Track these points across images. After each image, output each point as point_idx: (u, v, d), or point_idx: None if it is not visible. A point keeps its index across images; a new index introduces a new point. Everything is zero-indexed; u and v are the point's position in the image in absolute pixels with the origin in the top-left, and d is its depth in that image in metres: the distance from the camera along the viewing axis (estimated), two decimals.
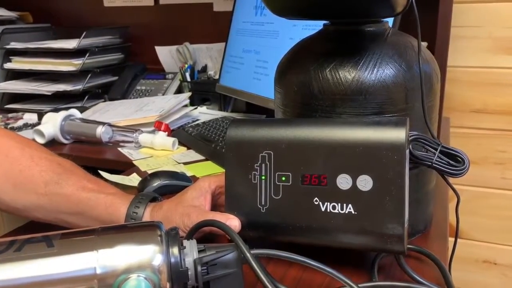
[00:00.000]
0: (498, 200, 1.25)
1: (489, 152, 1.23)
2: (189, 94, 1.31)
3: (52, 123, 1.08)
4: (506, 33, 1.16)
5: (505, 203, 1.25)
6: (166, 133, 1.04)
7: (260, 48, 1.08)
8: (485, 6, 1.16)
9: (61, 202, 0.57)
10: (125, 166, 0.94)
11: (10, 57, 1.47)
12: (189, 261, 0.40)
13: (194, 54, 1.46)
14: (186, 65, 1.40)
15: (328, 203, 0.48)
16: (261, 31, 1.08)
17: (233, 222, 0.51)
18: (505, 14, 1.15)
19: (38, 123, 1.15)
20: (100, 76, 1.49)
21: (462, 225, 1.23)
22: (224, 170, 0.54)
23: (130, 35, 1.61)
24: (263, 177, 0.51)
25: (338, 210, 0.48)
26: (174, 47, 1.47)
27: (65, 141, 1.09)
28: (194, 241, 0.43)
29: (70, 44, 1.38)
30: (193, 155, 0.98)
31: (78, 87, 1.40)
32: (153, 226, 0.41)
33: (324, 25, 0.59)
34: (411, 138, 0.50)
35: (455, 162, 0.52)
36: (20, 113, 1.40)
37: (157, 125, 1.05)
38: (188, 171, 0.87)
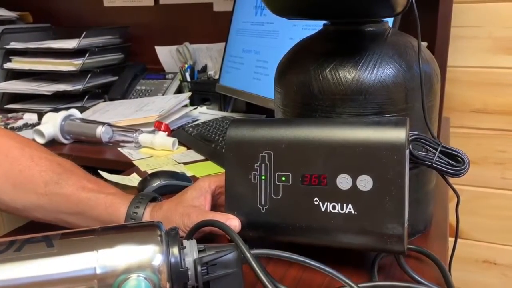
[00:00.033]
0: (498, 200, 1.25)
1: (489, 152, 1.23)
2: (189, 94, 1.31)
3: (52, 123, 1.08)
4: (506, 33, 1.16)
5: (505, 203, 1.25)
6: (166, 133, 1.04)
7: (260, 48, 1.08)
8: (485, 6, 1.16)
9: (61, 202, 0.57)
10: (125, 166, 0.94)
11: (10, 57, 1.47)
12: (189, 261, 0.40)
13: (194, 54, 1.46)
14: (186, 65, 1.40)
15: (328, 203, 0.48)
16: (261, 31, 1.08)
17: (233, 222, 0.51)
18: (505, 14, 1.15)
19: (38, 123, 1.15)
20: (100, 76, 1.49)
21: (462, 225, 1.23)
22: (224, 170, 0.54)
23: (130, 35, 1.61)
24: (263, 177, 0.51)
25: (338, 210, 0.48)
26: (174, 47, 1.47)
27: (65, 141, 1.09)
28: (194, 241, 0.43)
29: (70, 44, 1.38)
30: (193, 155, 0.98)
31: (78, 87, 1.40)
32: (153, 226, 0.41)
33: (324, 25, 0.59)
34: (411, 138, 0.50)
35: (455, 162, 0.52)
36: (20, 113, 1.40)
37: (157, 125, 1.05)
38: (188, 171, 0.87)
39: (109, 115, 1.21)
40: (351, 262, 0.53)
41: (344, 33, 0.56)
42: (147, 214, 0.56)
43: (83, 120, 1.11)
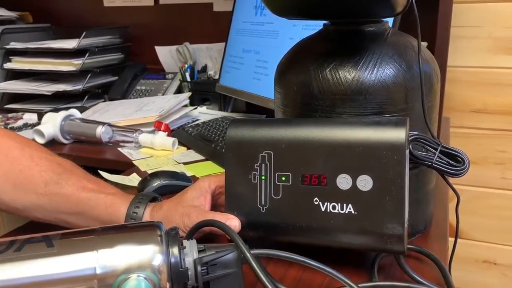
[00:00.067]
0: (498, 200, 1.25)
1: (489, 152, 1.23)
2: (189, 94, 1.31)
3: (52, 123, 1.08)
4: (506, 33, 1.16)
5: (505, 203, 1.25)
6: (166, 133, 1.04)
7: (260, 48, 1.08)
8: (485, 6, 1.16)
9: (61, 202, 0.57)
10: (125, 166, 0.94)
11: (10, 57, 1.47)
12: (189, 261, 0.40)
13: (194, 54, 1.46)
14: (186, 65, 1.40)
15: (328, 203, 0.48)
16: (261, 31, 1.08)
17: (233, 222, 0.51)
18: (505, 14, 1.15)
19: (38, 123, 1.15)
20: (100, 76, 1.49)
21: (462, 225, 1.23)
22: (224, 170, 0.54)
23: (130, 35, 1.61)
24: (263, 177, 0.51)
25: (338, 210, 0.48)
26: (174, 47, 1.47)
27: (65, 141, 1.09)
28: (194, 241, 0.43)
29: (70, 44, 1.38)
30: (193, 155, 0.98)
31: (78, 87, 1.40)
32: (153, 226, 0.41)
33: (324, 25, 0.59)
34: (411, 138, 0.50)
35: (455, 162, 0.52)
36: (20, 113, 1.40)
37: (157, 125, 1.05)
38: (188, 171, 0.87)
39: (109, 115, 1.21)
40: (351, 262, 0.53)
41: (344, 33, 0.56)
42: (147, 214, 0.56)
43: (83, 120, 1.11)
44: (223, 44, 1.24)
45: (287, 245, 0.49)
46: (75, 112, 1.12)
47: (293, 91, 0.56)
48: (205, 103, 1.36)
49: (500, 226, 1.26)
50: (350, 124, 0.49)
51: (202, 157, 0.96)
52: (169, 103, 1.21)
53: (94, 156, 1.02)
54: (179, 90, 1.42)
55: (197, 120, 1.24)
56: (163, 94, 1.39)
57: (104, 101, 1.44)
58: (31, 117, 1.34)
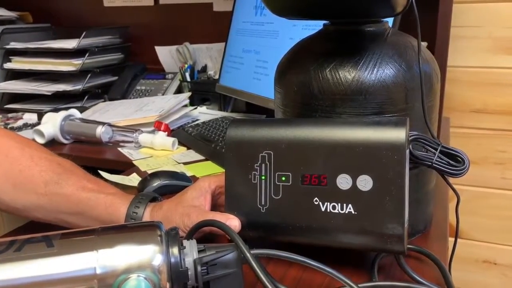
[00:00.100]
0: (498, 200, 1.25)
1: (489, 152, 1.23)
2: (189, 94, 1.31)
3: (52, 123, 1.08)
4: (506, 33, 1.16)
5: (505, 203, 1.25)
6: (166, 133, 1.04)
7: (260, 48, 1.08)
8: (485, 6, 1.16)
9: (61, 202, 0.57)
10: (125, 166, 0.94)
11: (10, 57, 1.47)
12: (189, 261, 0.40)
13: (194, 54, 1.46)
14: (186, 65, 1.40)
15: (328, 203, 0.48)
16: (261, 31, 1.08)
17: (233, 222, 0.51)
18: (505, 14, 1.15)
19: (38, 123, 1.15)
20: (100, 76, 1.49)
21: (462, 225, 1.23)
22: (224, 170, 0.54)
23: (130, 35, 1.61)
24: (263, 177, 0.51)
25: (338, 210, 0.48)
26: (174, 47, 1.47)
27: (65, 141, 1.09)
28: (194, 241, 0.43)
29: (70, 44, 1.38)
30: (193, 155, 0.98)
31: (78, 87, 1.40)
32: (153, 226, 0.41)
33: (324, 25, 0.59)
34: (411, 138, 0.50)
35: (455, 162, 0.52)
36: (20, 113, 1.40)
37: (157, 125, 1.05)
38: (188, 171, 0.87)
39: (109, 115, 1.21)
40: (351, 262, 0.53)
41: (344, 33, 0.56)
42: (147, 214, 0.56)
43: (83, 120, 1.11)
44: (223, 44, 1.24)
45: (287, 245, 0.49)
46: (75, 112, 1.12)
47: (293, 91, 0.56)
48: (205, 103, 1.36)
49: (500, 226, 1.26)
50: (350, 124, 0.49)
51: (202, 157, 0.96)
52: (169, 103, 1.21)
53: (94, 156, 1.02)
54: (179, 90, 1.42)
55: (197, 120, 1.24)
56: (163, 94, 1.39)
57: (104, 101, 1.44)
58: (31, 117, 1.34)
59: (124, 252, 0.38)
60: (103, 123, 1.06)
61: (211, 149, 0.94)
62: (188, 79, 1.39)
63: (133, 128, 1.06)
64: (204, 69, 1.43)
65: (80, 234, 0.41)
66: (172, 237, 0.41)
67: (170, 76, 1.45)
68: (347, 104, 0.52)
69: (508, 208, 1.25)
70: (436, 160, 0.51)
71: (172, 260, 0.39)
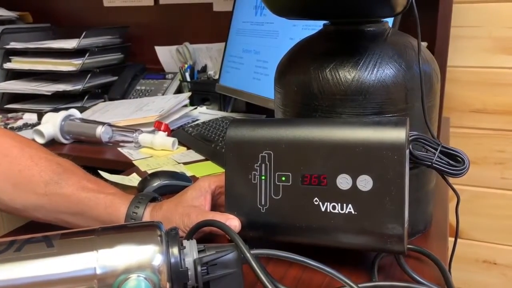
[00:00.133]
0: (498, 200, 1.25)
1: (488, 152, 1.23)
2: (189, 94, 1.31)
3: (52, 123, 1.08)
4: (506, 33, 1.16)
5: (505, 203, 1.25)
6: (166, 133, 1.04)
7: (260, 48, 1.08)
8: (485, 6, 1.16)
9: (61, 202, 0.57)
10: (125, 166, 0.94)
11: (10, 57, 1.47)
12: (189, 261, 0.40)
13: (194, 54, 1.46)
14: (186, 65, 1.40)
15: (328, 203, 0.48)
16: (261, 31, 1.08)
17: (233, 222, 0.51)
18: (505, 14, 1.15)
19: (38, 123, 1.15)
20: (100, 76, 1.49)
21: (462, 225, 1.23)
22: (224, 170, 0.54)
23: (130, 35, 1.61)
24: (263, 177, 0.51)
25: (338, 210, 0.48)
26: (174, 47, 1.47)
27: (65, 141, 1.09)
28: (194, 241, 0.43)
29: (70, 44, 1.38)
30: (193, 155, 0.98)
31: (78, 87, 1.40)
32: (153, 226, 0.41)
33: (324, 25, 0.59)
34: (411, 138, 0.50)
35: (455, 162, 0.52)
36: (20, 113, 1.40)
37: (157, 125, 1.05)
38: (188, 171, 0.87)
39: (109, 115, 1.21)
40: (351, 262, 0.53)
41: (344, 33, 0.56)
42: (147, 214, 0.56)
43: (83, 120, 1.11)
44: (223, 44, 1.24)
45: (287, 245, 0.49)
46: (75, 112, 1.12)
47: (293, 91, 0.56)
48: (205, 103, 1.36)
49: (500, 226, 1.26)
50: (350, 124, 0.49)
51: (202, 157, 0.96)
52: (169, 103, 1.21)
53: (94, 156, 1.02)
54: (179, 90, 1.42)
55: (197, 120, 1.24)
56: (163, 94, 1.39)
57: (104, 101, 1.44)
58: (31, 117, 1.34)
59: (124, 252, 0.38)
60: (103, 123, 1.06)
61: (211, 149, 0.94)
62: (188, 79, 1.39)
63: (133, 128, 1.06)
64: (204, 69, 1.43)
65: (80, 234, 0.40)
66: (172, 237, 0.41)
67: (170, 76, 1.45)
68: (347, 104, 0.52)
69: (508, 208, 1.25)
70: (436, 160, 0.51)
71: (172, 260, 0.39)
